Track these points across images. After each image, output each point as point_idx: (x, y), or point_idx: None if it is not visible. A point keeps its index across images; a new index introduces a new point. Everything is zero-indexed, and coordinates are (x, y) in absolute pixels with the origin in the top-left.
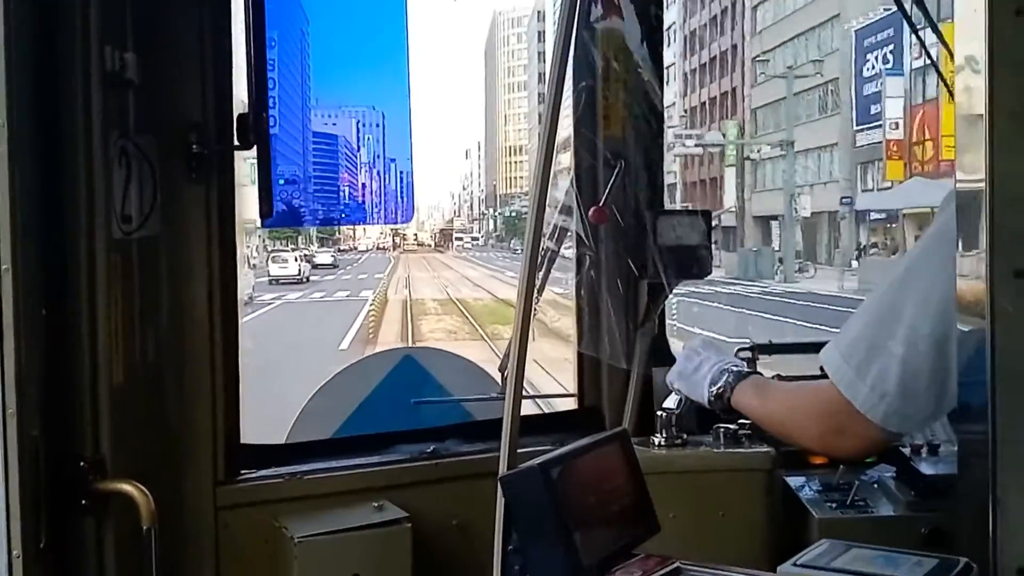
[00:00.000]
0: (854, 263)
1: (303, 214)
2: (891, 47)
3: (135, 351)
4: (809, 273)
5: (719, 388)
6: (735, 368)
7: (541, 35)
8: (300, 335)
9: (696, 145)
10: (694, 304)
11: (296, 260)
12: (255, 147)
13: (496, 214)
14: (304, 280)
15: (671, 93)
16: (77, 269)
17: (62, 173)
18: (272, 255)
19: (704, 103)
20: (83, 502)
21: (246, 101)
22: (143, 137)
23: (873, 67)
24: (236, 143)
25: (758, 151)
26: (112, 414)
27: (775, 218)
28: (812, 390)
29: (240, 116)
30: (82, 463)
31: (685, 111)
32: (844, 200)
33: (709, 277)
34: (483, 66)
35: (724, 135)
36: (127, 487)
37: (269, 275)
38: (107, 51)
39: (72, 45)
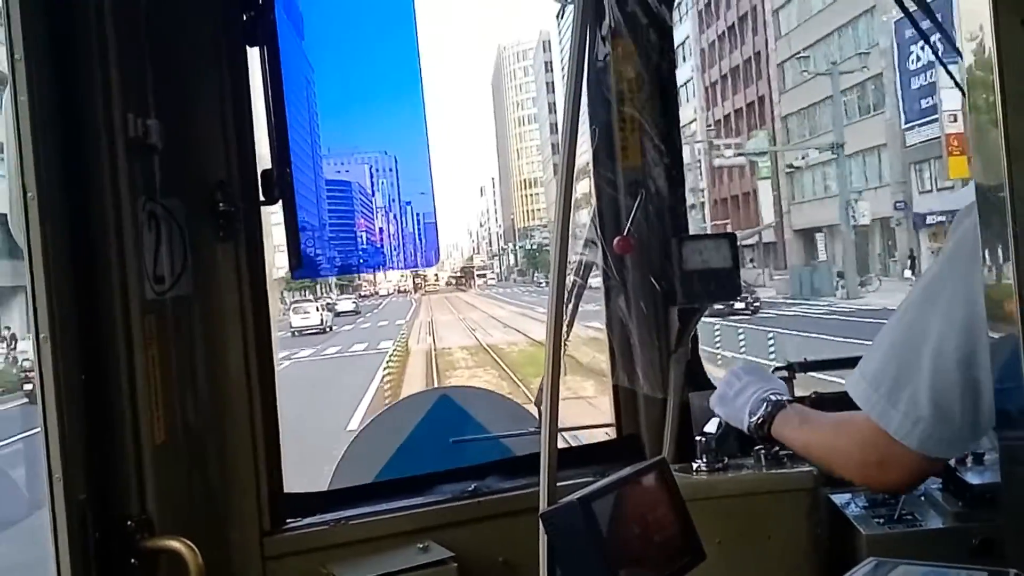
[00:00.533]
0: (907, 272)
1: (320, 263)
2: (938, 35)
3: (175, 408)
4: (873, 286)
5: (759, 419)
6: (774, 397)
7: (548, 65)
8: (300, 410)
9: (737, 154)
10: (756, 329)
11: (318, 310)
12: (279, 201)
13: (516, 248)
14: (327, 330)
15: (690, 109)
16: (113, 332)
17: (93, 238)
18: (293, 306)
19: (728, 115)
20: (132, 561)
21: (267, 156)
22: (170, 199)
23: (919, 58)
24: (262, 199)
25: (803, 157)
26: (156, 472)
27: (819, 230)
28: (848, 423)
29: (264, 172)
30: (129, 523)
31: (710, 125)
32: (899, 204)
33: (768, 299)
34: (491, 102)
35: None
36: (175, 544)
37: (291, 327)
38: (130, 119)
39: (95, 114)
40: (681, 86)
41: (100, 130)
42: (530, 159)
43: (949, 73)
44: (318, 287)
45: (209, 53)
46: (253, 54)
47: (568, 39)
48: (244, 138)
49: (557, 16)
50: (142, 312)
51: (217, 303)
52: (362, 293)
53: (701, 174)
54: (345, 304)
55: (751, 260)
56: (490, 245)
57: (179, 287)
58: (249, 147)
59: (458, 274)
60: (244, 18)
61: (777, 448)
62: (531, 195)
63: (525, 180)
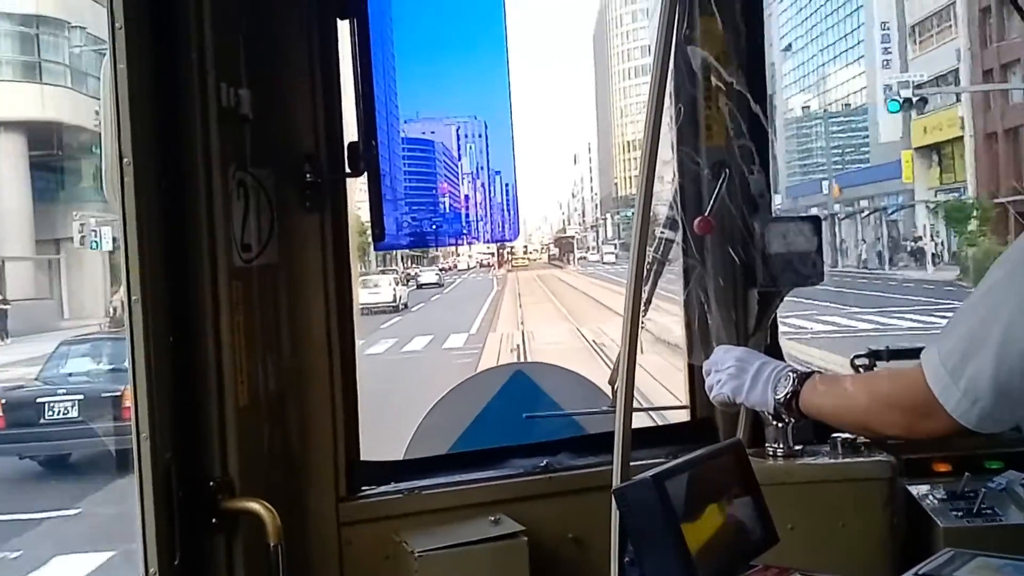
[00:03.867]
0: None
1: (401, 233)
2: None
3: (258, 374)
4: None
5: (786, 393)
6: (794, 372)
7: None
8: None
9: None
10: None
11: (391, 284)
12: (365, 174)
13: (619, 217)
14: (401, 307)
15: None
16: (201, 297)
17: (184, 206)
18: (363, 279)
19: None
20: (213, 520)
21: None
22: (259, 169)
23: None
24: (347, 171)
25: None
26: (239, 436)
27: None
28: (899, 380)
29: (350, 144)
30: (211, 483)
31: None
32: None
33: None
34: (592, 57)
35: None
36: (254, 505)
37: (360, 303)
38: (223, 88)
39: (190, 83)
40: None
41: (194, 98)
42: (635, 118)
43: None
44: (390, 258)
45: (300, 26)
46: (342, 27)
47: (657, 15)
48: (332, 111)
49: None
50: (229, 279)
51: (301, 272)
52: (441, 266)
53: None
54: (428, 276)
55: None
56: (583, 217)
57: (265, 255)
58: (337, 120)
59: (550, 247)
60: None
61: (854, 437)
62: (635, 159)
63: (628, 142)
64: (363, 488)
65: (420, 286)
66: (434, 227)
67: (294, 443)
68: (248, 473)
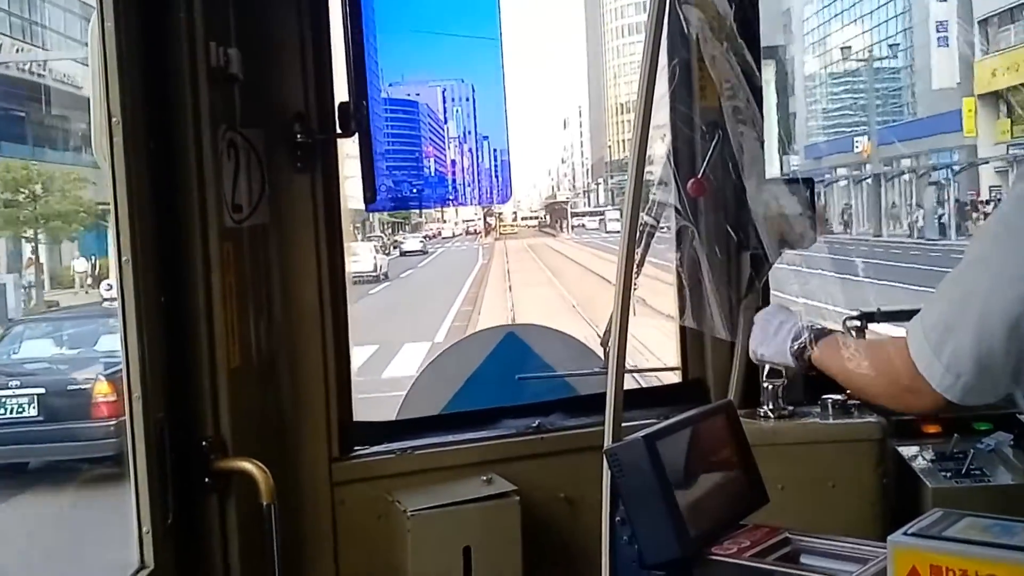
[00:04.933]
0: None
1: (385, 196)
2: None
3: (250, 334)
4: None
5: (800, 343)
6: (816, 327)
7: None
8: None
9: None
10: None
11: (372, 251)
12: (356, 135)
13: (613, 182)
14: (381, 277)
15: None
16: (192, 258)
17: (174, 166)
18: None
19: None
20: (206, 480)
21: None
22: (250, 129)
23: None
24: (338, 131)
25: None
26: (231, 396)
27: None
28: (893, 351)
29: (341, 105)
30: (204, 443)
31: None
32: None
33: None
34: (583, 15)
35: None
36: (247, 465)
37: None
38: (212, 48)
39: (179, 43)
40: None
41: (183, 58)
42: (629, 78)
43: None
44: (367, 224)
45: None
46: None
47: None
48: (322, 71)
49: None
50: (220, 239)
51: (293, 233)
52: (426, 233)
53: None
54: (412, 243)
55: None
56: (573, 182)
57: (256, 216)
58: (327, 80)
59: (541, 213)
60: None
61: (844, 398)
62: (628, 122)
63: (622, 104)
64: (356, 448)
65: (404, 253)
66: (416, 191)
67: (287, 404)
68: (241, 433)
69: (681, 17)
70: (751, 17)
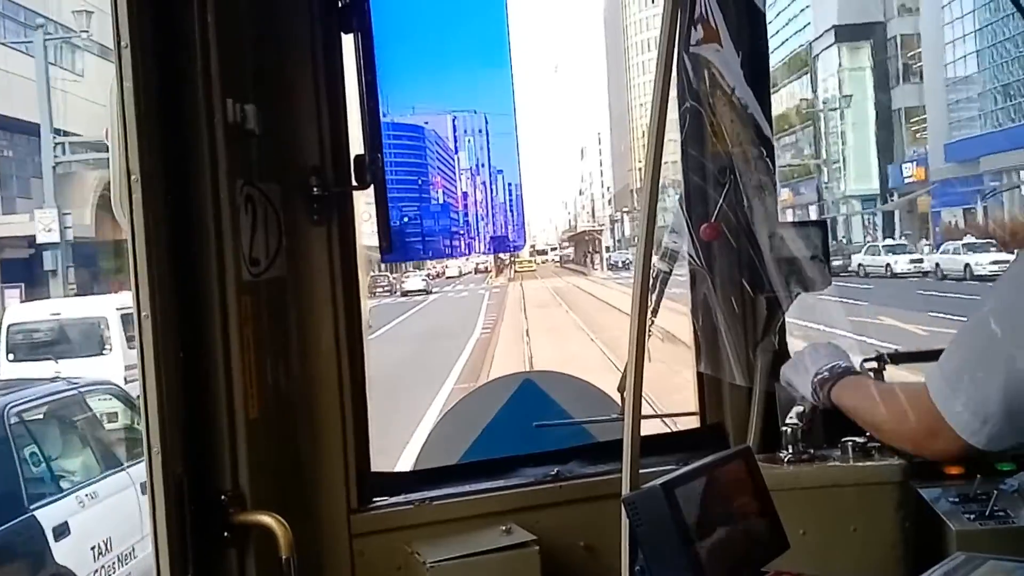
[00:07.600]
0: None
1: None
2: None
3: (268, 388)
4: None
5: (821, 377)
6: (842, 365)
7: None
8: None
9: None
10: None
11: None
12: (371, 187)
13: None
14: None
15: None
16: (210, 312)
17: (192, 221)
18: None
19: None
20: (225, 534)
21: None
22: (266, 183)
23: None
24: (354, 184)
25: None
26: (249, 449)
27: None
28: (914, 395)
29: (357, 158)
30: (223, 497)
31: None
32: None
33: None
34: (602, 36)
35: None
36: (266, 518)
37: None
38: (229, 104)
39: (196, 99)
40: None
41: (200, 115)
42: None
43: None
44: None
45: (305, 41)
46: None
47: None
48: (338, 124)
49: None
50: (238, 293)
51: (310, 285)
52: (429, 273)
53: None
54: (414, 282)
55: None
56: (592, 214)
57: (274, 269)
58: (343, 133)
59: (564, 245)
60: (339, 5)
61: (864, 440)
62: None
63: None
64: (374, 499)
65: (405, 293)
66: (425, 238)
67: (305, 455)
68: (259, 486)
69: (690, 63)
70: (759, 59)
